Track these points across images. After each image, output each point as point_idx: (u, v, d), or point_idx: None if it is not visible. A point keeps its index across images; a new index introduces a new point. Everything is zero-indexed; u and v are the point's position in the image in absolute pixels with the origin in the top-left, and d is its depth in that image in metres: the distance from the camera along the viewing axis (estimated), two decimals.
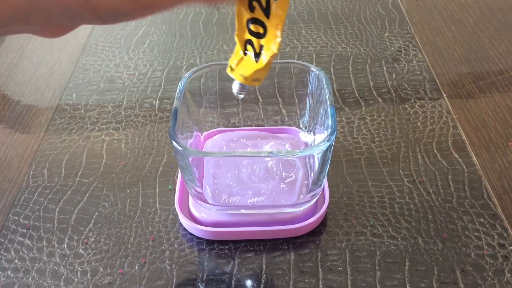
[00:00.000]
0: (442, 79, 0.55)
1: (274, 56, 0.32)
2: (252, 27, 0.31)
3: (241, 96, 0.34)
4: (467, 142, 0.47)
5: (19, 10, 0.24)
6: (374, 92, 0.54)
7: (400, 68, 0.57)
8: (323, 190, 0.41)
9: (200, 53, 0.61)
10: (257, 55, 0.32)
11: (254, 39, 0.32)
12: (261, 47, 0.32)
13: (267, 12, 0.31)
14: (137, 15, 0.27)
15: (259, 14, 0.31)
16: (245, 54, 0.32)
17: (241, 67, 0.32)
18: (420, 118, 0.50)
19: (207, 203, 0.39)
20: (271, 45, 0.31)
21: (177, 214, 0.41)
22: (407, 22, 0.65)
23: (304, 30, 0.64)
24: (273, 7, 0.30)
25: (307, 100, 0.44)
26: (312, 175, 0.39)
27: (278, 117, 0.48)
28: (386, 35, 0.63)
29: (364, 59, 0.59)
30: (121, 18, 0.27)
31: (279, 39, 0.31)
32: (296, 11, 0.68)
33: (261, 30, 0.31)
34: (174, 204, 0.42)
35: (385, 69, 0.57)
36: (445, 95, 0.53)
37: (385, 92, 0.54)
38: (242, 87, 0.33)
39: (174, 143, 0.34)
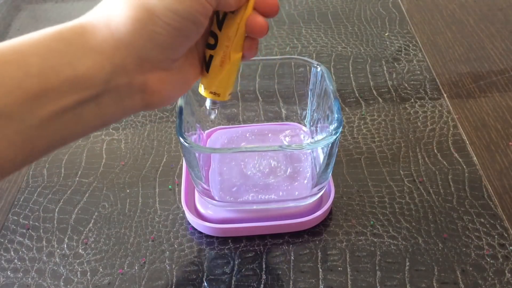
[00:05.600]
0: (442, 79, 0.55)
1: (229, 63, 0.29)
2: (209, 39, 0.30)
3: (213, 115, 0.33)
4: (467, 142, 0.47)
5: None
6: (374, 92, 0.53)
7: (400, 68, 0.57)
8: (328, 184, 0.41)
9: None
10: (207, 66, 0.30)
11: (207, 51, 0.30)
12: (210, 57, 0.30)
13: (220, 24, 0.29)
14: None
15: (214, 28, 0.29)
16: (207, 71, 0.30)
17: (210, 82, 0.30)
18: (420, 118, 0.50)
19: (214, 199, 0.39)
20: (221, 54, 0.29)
21: (177, 214, 0.41)
22: (408, 22, 0.65)
23: (304, 30, 0.64)
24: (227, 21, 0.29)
25: (309, 95, 0.44)
26: (318, 168, 0.39)
27: (280, 113, 0.48)
28: (386, 34, 0.63)
29: (364, 58, 0.59)
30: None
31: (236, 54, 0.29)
32: (296, 10, 0.68)
33: (212, 42, 0.29)
34: (174, 204, 0.42)
35: (385, 68, 0.57)
36: (445, 95, 0.53)
37: (385, 92, 0.53)
38: (213, 102, 0.32)
39: (182, 140, 0.34)
